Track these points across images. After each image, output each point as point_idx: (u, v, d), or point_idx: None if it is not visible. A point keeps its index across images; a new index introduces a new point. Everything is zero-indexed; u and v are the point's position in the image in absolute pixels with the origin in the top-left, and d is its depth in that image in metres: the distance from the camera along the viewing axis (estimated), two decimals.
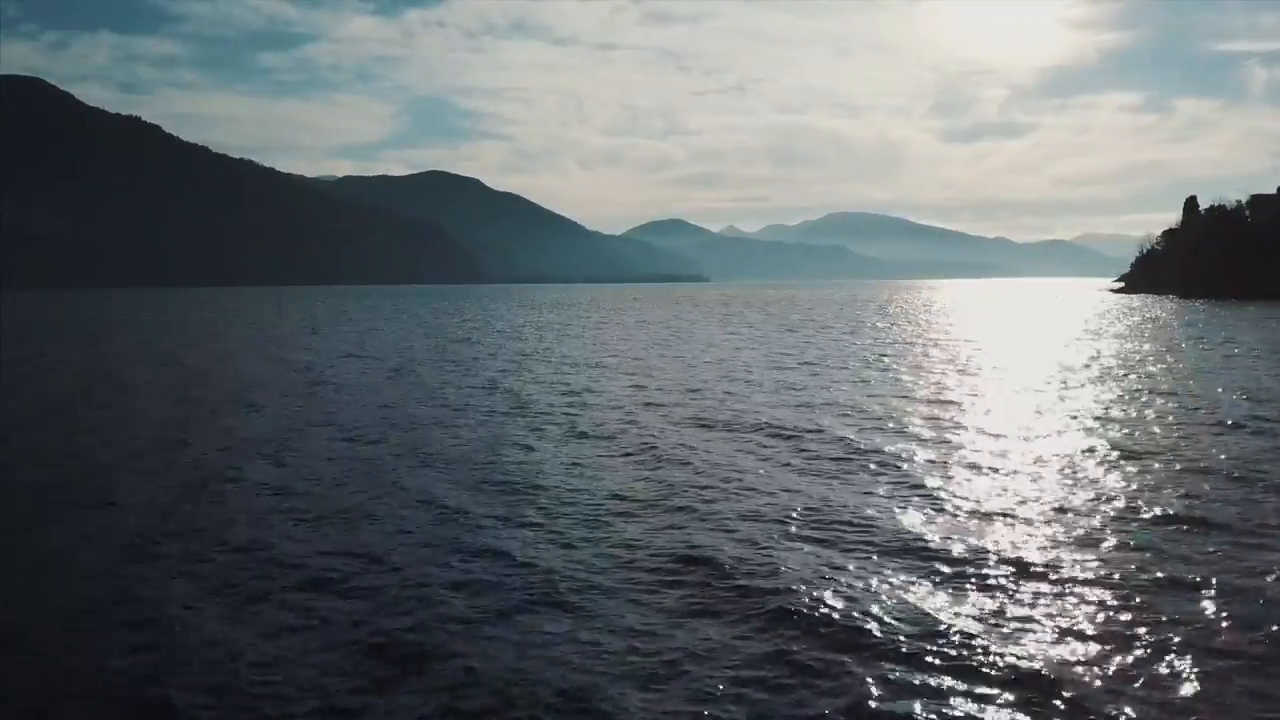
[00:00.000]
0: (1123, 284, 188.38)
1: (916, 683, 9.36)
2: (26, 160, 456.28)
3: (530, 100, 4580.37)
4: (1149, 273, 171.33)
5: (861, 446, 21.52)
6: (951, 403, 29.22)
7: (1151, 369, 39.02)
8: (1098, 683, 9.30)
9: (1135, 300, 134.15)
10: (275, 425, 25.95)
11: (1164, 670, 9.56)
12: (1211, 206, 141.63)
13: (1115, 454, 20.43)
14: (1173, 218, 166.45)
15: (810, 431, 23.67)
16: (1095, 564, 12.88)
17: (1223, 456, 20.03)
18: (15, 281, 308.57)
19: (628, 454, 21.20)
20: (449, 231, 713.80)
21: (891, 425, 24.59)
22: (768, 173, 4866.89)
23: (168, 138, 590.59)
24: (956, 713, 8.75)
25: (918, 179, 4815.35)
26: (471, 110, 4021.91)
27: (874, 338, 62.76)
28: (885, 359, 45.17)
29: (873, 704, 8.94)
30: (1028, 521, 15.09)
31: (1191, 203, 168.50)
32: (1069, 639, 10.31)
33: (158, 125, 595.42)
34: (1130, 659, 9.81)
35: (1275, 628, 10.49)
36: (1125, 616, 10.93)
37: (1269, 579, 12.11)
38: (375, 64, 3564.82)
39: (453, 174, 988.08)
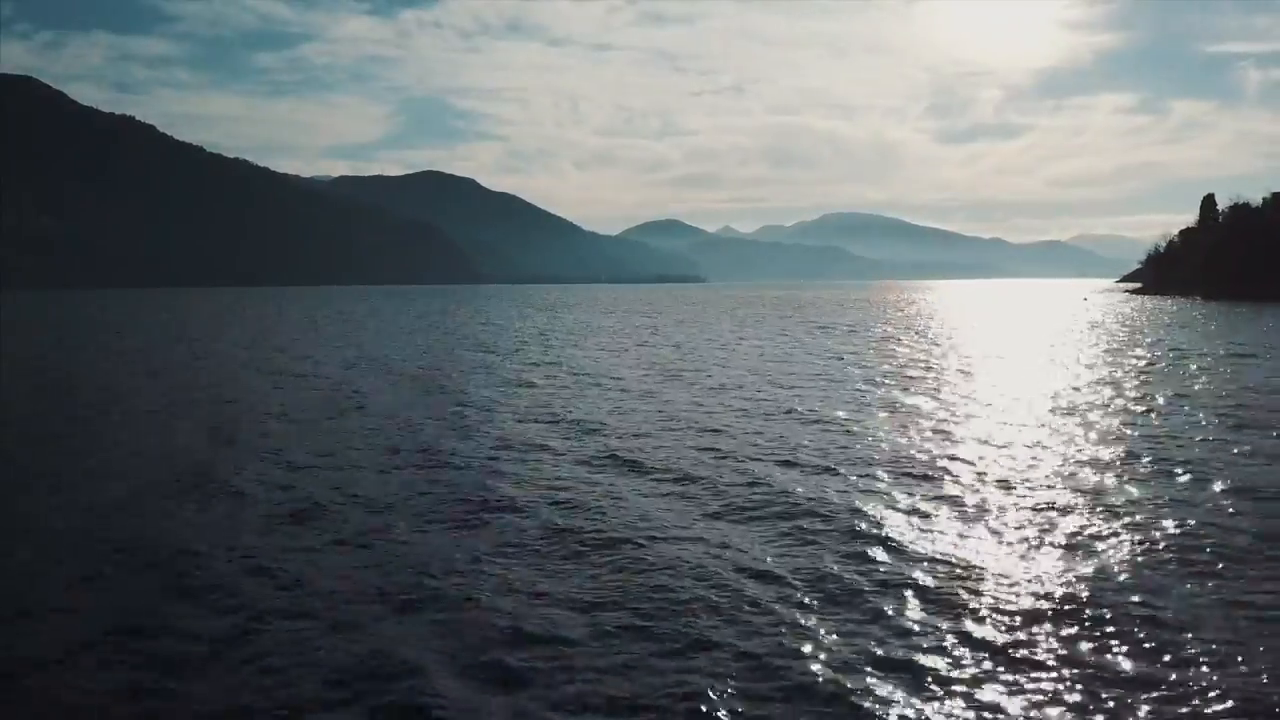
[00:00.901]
0: (1140, 284, 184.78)
1: None
2: (19, 160, 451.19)
3: (526, 101, 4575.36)
4: (1163, 273, 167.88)
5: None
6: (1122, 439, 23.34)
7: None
8: None
9: (1167, 303, 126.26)
10: (292, 458, 22.28)
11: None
12: (1234, 205, 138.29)
13: None
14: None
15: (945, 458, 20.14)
16: None
17: None
18: (15, 282, 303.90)
19: (753, 516, 16.23)
20: (445, 232, 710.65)
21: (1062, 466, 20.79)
22: (763, 173, 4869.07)
23: (161, 137, 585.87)
24: None
25: (913, 180, 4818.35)
26: (467, 111, 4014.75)
27: (942, 348, 56.59)
28: (984, 380, 36.97)
29: None
30: None
31: (1209, 201, 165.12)
32: None
33: (151, 125, 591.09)
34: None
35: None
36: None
37: None
38: (370, 64, 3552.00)
39: (448, 174, 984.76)
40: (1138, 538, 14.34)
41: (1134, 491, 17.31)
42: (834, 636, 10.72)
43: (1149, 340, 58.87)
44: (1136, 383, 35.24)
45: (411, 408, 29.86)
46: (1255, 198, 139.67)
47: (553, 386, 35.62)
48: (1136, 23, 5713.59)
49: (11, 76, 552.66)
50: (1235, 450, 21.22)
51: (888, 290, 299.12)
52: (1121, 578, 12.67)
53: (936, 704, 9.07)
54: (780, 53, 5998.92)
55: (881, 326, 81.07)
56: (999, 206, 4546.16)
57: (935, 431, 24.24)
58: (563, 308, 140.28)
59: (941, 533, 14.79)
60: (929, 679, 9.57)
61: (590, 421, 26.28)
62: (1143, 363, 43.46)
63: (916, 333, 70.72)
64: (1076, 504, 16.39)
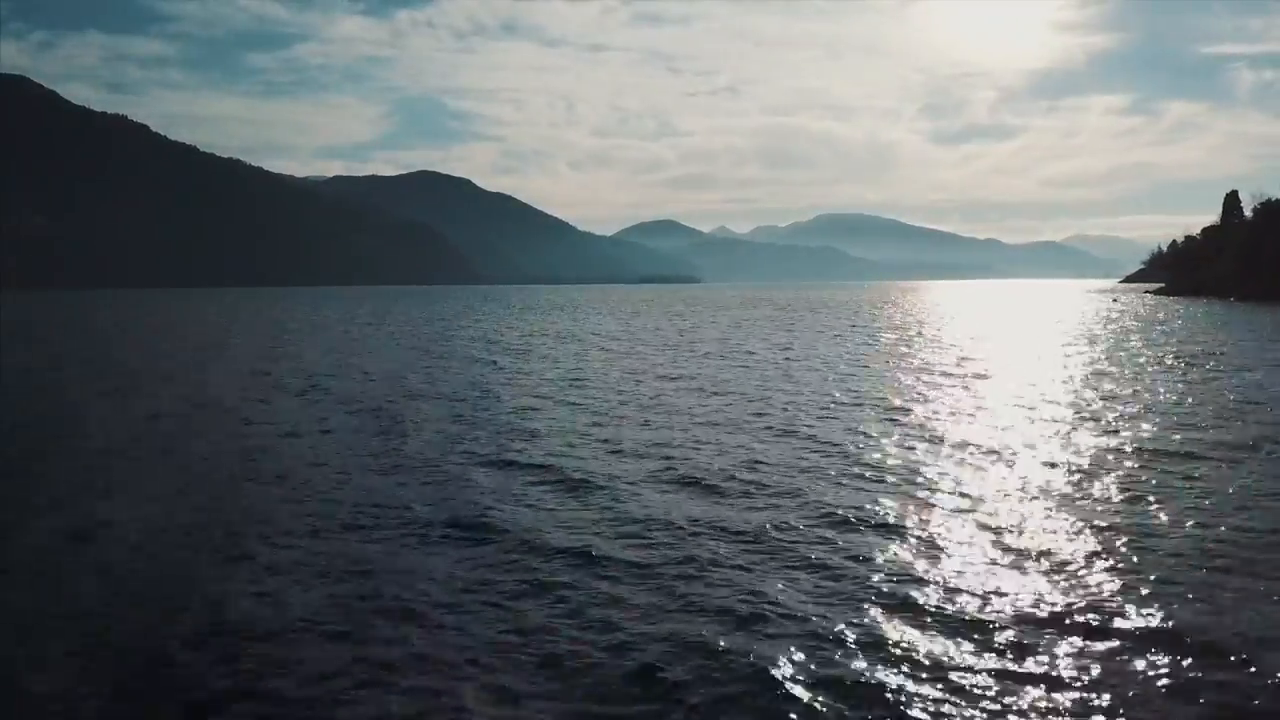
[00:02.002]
0: (1161, 285, 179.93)
1: None
2: (10, 160, 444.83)
3: (521, 101, 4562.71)
4: (1187, 274, 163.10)
5: None
6: None
7: None
8: None
9: (1213, 306, 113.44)
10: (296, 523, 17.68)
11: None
12: (1265, 202, 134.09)
13: None
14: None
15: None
16: None
17: None
18: (8, 281, 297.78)
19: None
20: (441, 232, 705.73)
21: None
22: (759, 174, 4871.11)
23: (155, 137, 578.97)
24: None
25: (908, 180, 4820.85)
26: (462, 111, 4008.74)
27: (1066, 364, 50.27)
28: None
29: None
30: None
31: (1232, 199, 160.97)
32: None
33: (145, 125, 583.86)
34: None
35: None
36: None
37: None
38: (365, 64, 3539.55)
39: (444, 174, 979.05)
40: None
41: None
42: None
43: None
44: None
45: (460, 451, 21.82)
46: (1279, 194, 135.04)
47: (635, 422, 29.46)
48: (1129, 24, 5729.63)
49: (4, 76, 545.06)
50: None
51: (891, 291, 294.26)
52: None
53: None
54: (775, 54, 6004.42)
55: (923, 331, 76.76)
56: (994, 207, 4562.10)
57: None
58: (574, 309, 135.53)
59: None
60: None
61: (693, 466, 21.60)
62: None
63: (984, 346, 66.05)
64: None
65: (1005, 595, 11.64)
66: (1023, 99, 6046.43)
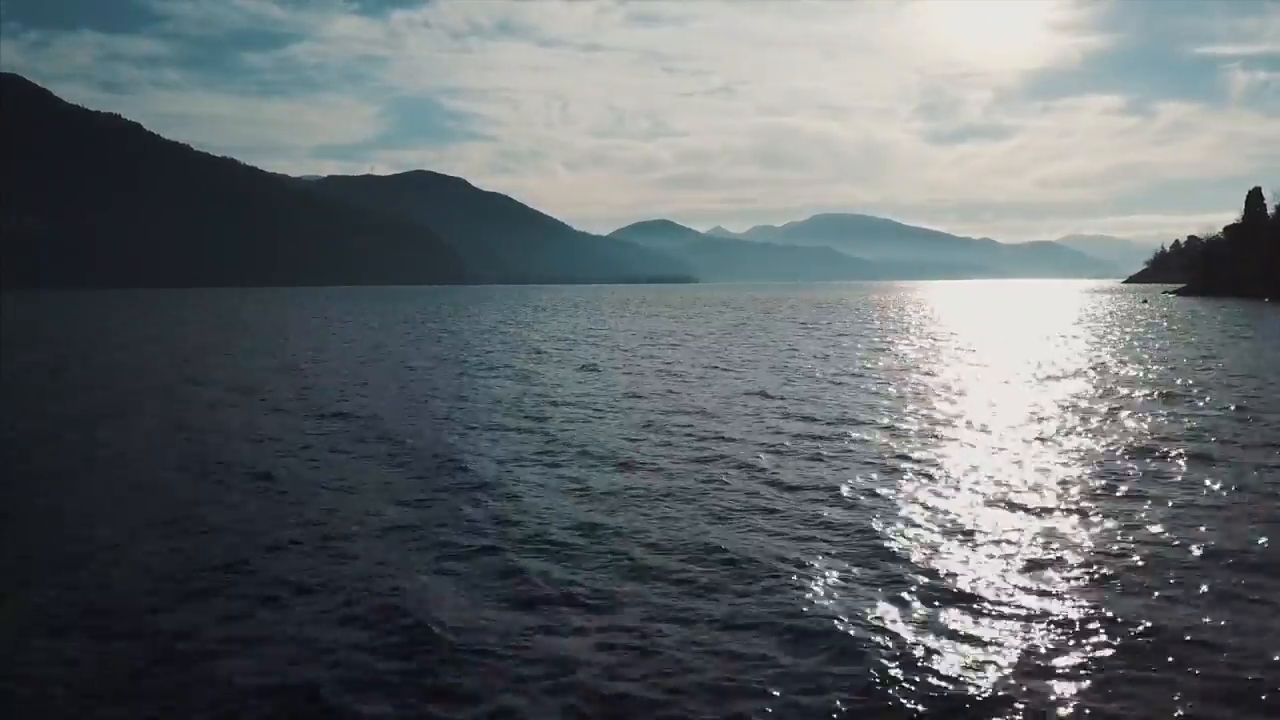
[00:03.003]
0: (1183, 285, 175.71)
1: None
2: (4, 159, 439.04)
3: (516, 101, 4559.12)
4: (1212, 273, 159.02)
5: None
6: None
7: None
8: None
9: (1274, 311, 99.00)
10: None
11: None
12: None
13: None
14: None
15: None
16: None
17: None
18: (2, 282, 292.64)
19: None
20: (436, 232, 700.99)
21: None
22: (754, 174, 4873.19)
23: (149, 136, 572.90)
24: None
25: (903, 180, 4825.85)
26: (457, 111, 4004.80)
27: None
28: None
29: None
30: None
31: (1255, 196, 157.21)
32: None
33: (138, 123, 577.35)
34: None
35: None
36: None
37: None
38: (361, 64, 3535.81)
39: (439, 174, 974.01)
40: None
41: None
42: None
43: None
44: None
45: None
46: None
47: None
48: (1124, 24, 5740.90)
49: None
50: None
51: (896, 292, 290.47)
52: None
53: None
54: (771, 54, 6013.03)
55: (981, 340, 72.63)
56: (989, 207, 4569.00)
57: None
58: (577, 310, 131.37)
59: None
60: None
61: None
62: None
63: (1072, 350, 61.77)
64: None
65: None
66: (1018, 99, 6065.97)
